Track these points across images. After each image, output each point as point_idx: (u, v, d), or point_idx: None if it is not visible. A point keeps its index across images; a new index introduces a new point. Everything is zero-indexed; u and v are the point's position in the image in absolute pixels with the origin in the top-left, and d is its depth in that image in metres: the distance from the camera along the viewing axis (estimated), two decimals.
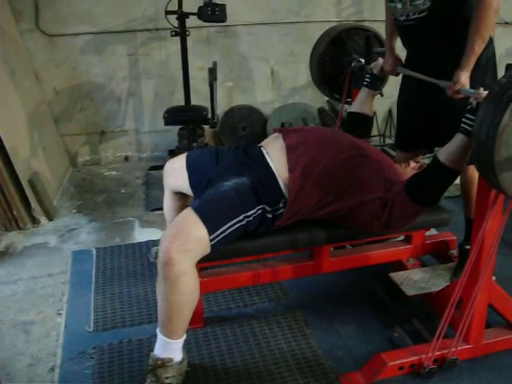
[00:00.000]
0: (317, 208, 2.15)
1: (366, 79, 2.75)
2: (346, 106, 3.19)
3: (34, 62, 4.26)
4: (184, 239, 1.88)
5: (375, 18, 4.47)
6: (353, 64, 2.93)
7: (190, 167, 2.36)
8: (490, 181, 1.73)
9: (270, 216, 2.09)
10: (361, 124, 2.74)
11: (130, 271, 2.88)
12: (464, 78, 2.16)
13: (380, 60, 2.73)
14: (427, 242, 2.57)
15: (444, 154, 1.97)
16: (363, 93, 2.76)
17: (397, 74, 2.66)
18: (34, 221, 3.46)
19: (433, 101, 2.40)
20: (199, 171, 2.32)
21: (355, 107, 2.77)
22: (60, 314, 2.54)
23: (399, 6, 2.36)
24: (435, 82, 2.28)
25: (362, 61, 2.90)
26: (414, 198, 2.03)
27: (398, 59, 2.65)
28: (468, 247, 2.21)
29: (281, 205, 2.10)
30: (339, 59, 3.13)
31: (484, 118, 1.66)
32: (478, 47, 2.15)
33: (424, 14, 2.27)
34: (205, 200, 2.05)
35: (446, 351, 2.05)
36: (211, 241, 1.95)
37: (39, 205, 3.48)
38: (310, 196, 2.11)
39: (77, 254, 3.08)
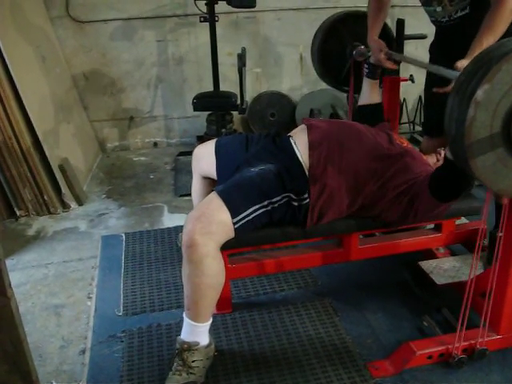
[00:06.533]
0: (345, 211, 2.15)
1: (365, 69, 2.70)
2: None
3: (64, 49, 4.30)
4: (207, 222, 1.90)
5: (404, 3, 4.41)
6: (354, 53, 2.82)
7: (219, 153, 2.38)
8: (470, 173, 1.60)
9: (295, 204, 2.08)
10: (373, 114, 2.67)
11: (159, 256, 2.90)
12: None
13: None
14: (458, 230, 2.54)
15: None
16: (366, 84, 2.71)
17: (394, 61, 2.59)
18: (65, 206, 3.51)
19: None
20: (228, 157, 2.33)
21: (363, 100, 2.72)
22: (90, 298, 2.57)
23: (439, 8, 2.33)
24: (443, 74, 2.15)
25: (364, 48, 2.77)
26: (437, 197, 1.99)
27: (383, 44, 2.59)
28: (500, 234, 2.18)
29: (306, 195, 2.08)
30: (340, 50, 2.95)
31: (451, 112, 1.52)
32: (487, 43, 2.09)
33: (466, 11, 2.24)
34: (229, 184, 2.07)
35: (475, 341, 2.03)
36: (234, 224, 1.96)
37: (69, 190, 3.53)
38: (334, 198, 2.09)
39: (106, 239, 3.12)
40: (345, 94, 4.59)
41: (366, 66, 2.70)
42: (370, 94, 2.69)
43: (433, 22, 2.51)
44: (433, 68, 2.17)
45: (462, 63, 2.08)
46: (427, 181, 2.02)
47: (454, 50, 2.32)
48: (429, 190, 1.99)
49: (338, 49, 2.95)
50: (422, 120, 3.14)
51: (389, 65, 2.59)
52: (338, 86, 3.15)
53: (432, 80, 2.64)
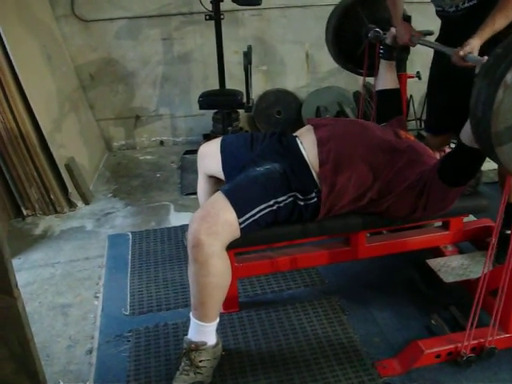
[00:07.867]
0: (354, 204, 2.13)
1: (381, 51, 2.69)
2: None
3: (69, 48, 4.29)
4: (213, 222, 1.89)
5: None
6: (369, 35, 2.79)
7: (225, 152, 2.37)
8: (491, 157, 1.62)
9: (301, 204, 2.08)
10: (391, 101, 2.67)
11: (166, 255, 2.89)
12: (474, 44, 2.07)
13: (393, 29, 2.63)
14: (465, 228, 2.52)
15: (465, 134, 1.84)
16: (382, 66, 2.70)
17: (414, 45, 2.57)
18: (71, 205, 3.51)
19: (468, 77, 2.34)
20: (233, 156, 2.33)
21: (379, 84, 2.72)
22: (97, 297, 2.57)
23: None
24: (443, 50, 2.20)
25: (379, 31, 2.75)
26: (447, 182, 1.98)
27: (410, 27, 2.58)
28: (508, 232, 2.16)
29: (313, 194, 2.08)
30: (355, 31, 2.93)
31: (478, 94, 1.52)
32: (499, 24, 2.08)
33: (474, 1, 2.23)
34: (235, 184, 2.06)
35: (484, 340, 2.02)
36: (240, 224, 1.96)
37: (76, 189, 3.53)
38: (344, 192, 2.08)
39: (113, 238, 3.12)
40: (351, 91, 4.62)
41: (381, 47, 2.69)
42: (385, 75, 2.68)
43: (438, 12, 2.47)
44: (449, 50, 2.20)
45: (470, 42, 2.07)
46: (436, 168, 2.01)
47: (459, 45, 2.31)
48: (438, 174, 1.98)
49: (353, 30, 2.94)
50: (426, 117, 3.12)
51: (412, 45, 2.61)
52: (351, 67, 3.12)
53: (441, 73, 2.62)
